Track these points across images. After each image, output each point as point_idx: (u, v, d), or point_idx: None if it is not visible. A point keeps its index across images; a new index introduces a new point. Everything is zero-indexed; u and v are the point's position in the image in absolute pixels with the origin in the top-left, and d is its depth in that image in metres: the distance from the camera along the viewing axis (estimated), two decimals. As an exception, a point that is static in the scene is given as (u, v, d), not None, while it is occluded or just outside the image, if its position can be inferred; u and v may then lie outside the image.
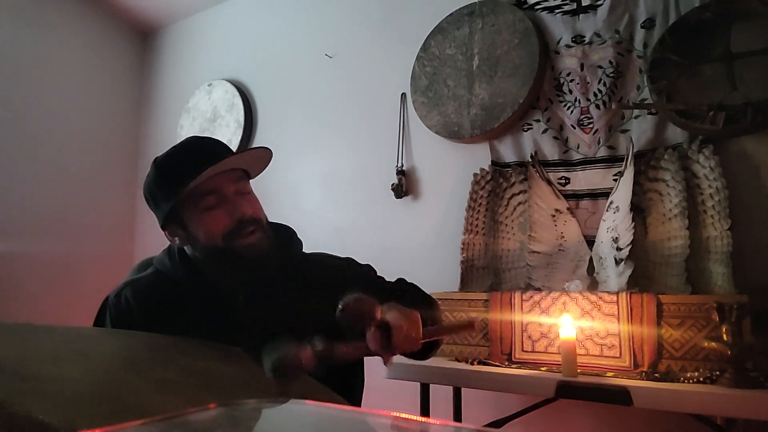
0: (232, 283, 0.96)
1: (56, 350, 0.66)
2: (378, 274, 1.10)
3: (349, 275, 1.04)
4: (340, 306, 0.73)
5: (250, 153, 0.99)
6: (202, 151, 0.95)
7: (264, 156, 1.02)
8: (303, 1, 2.50)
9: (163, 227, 0.98)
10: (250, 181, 1.05)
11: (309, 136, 2.36)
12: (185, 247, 0.99)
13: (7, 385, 0.48)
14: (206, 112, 2.67)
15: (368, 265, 1.11)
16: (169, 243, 1.01)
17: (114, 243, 2.81)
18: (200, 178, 0.89)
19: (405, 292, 1.03)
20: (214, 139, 1.02)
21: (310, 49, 2.41)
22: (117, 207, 2.83)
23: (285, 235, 1.05)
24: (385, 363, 0.77)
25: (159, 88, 3.03)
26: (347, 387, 1.00)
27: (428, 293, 1.08)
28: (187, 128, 2.72)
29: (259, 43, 2.63)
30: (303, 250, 1.08)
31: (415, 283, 1.09)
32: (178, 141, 1.03)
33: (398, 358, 0.85)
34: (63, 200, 2.64)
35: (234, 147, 2.46)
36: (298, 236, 1.08)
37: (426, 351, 0.98)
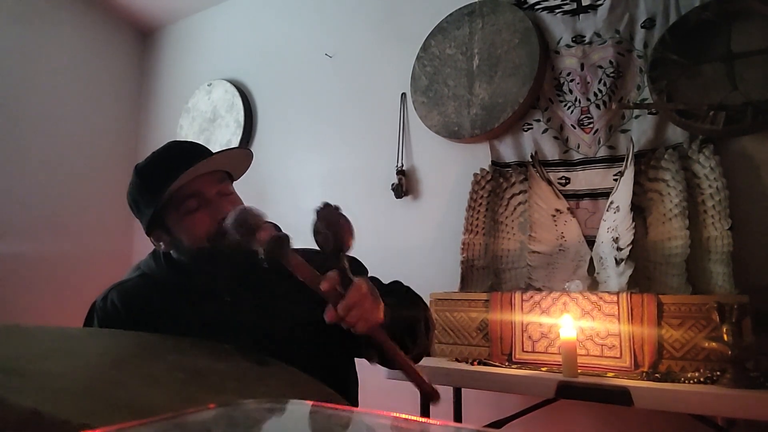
0: (218, 282, 0.96)
1: (44, 348, 0.66)
2: (373, 273, 1.09)
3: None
4: (318, 206, 0.71)
5: (227, 154, 0.98)
6: (181, 154, 0.95)
7: (244, 156, 1.02)
8: (303, 1, 2.50)
9: (148, 233, 0.98)
10: (249, 181, 1.05)
11: (309, 136, 2.36)
12: (171, 251, 0.99)
13: None
14: (206, 112, 2.67)
15: (359, 261, 1.09)
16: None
17: (113, 243, 2.81)
18: (179, 181, 0.89)
19: (398, 292, 1.02)
20: (194, 142, 1.02)
21: (310, 49, 2.41)
22: (116, 207, 2.82)
23: None
24: (326, 315, 0.74)
25: (159, 88, 3.03)
26: (339, 385, 1.00)
27: (425, 293, 1.07)
28: (187, 128, 2.72)
29: (259, 43, 2.63)
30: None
31: (410, 286, 1.08)
32: (175, 142, 1.03)
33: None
34: (62, 200, 2.64)
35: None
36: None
37: (388, 360, 0.92)
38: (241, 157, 1.01)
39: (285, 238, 0.76)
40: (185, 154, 0.94)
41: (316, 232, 0.73)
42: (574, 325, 1.26)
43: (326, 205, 0.72)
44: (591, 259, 1.56)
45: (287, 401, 0.51)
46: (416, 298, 1.05)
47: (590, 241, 1.58)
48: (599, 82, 1.66)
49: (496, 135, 1.82)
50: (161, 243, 0.98)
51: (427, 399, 0.79)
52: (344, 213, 0.73)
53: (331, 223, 0.72)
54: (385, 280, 1.09)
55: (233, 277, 0.95)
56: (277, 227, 0.80)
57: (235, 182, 1.04)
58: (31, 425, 0.40)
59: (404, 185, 1.99)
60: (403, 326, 0.90)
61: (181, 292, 0.96)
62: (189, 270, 0.97)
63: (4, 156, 2.45)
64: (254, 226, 0.77)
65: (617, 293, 1.32)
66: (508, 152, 1.79)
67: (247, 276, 0.95)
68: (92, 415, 0.44)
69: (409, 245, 1.98)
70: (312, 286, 0.75)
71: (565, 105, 1.72)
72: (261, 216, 0.79)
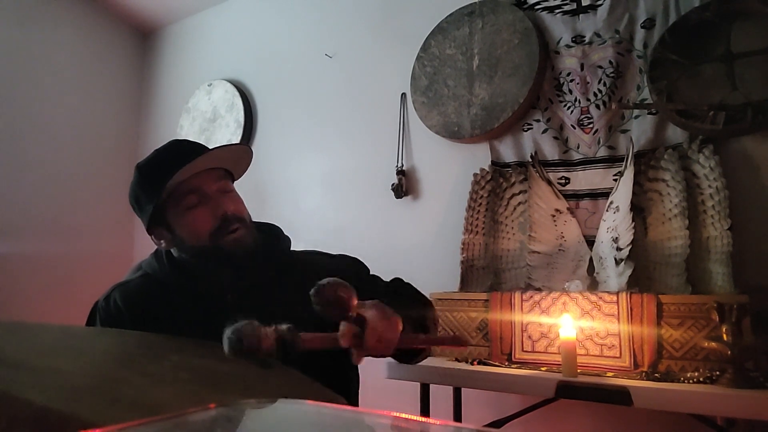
0: (220, 282, 0.96)
1: (51, 345, 0.66)
2: (373, 273, 1.09)
3: (342, 272, 1.04)
4: (313, 289, 0.69)
5: (226, 149, 0.98)
6: (182, 151, 0.96)
7: (242, 153, 1.02)
8: (303, 1, 2.50)
9: (149, 231, 0.98)
10: (249, 181, 1.05)
11: (309, 136, 2.36)
12: (172, 250, 0.99)
13: (7, 376, 0.48)
14: (206, 112, 2.67)
15: (360, 261, 1.10)
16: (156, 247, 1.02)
17: (113, 243, 2.81)
18: (180, 175, 0.90)
19: (399, 292, 1.03)
20: (195, 142, 1.03)
21: (310, 49, 2.41)
22: (116, 207, 2.82)
23: (272, 234, 1.05)
24: (354, 361, 0.73)
25: (159, 88, 3.03)
26: (341, 383, 1.00)
27: (425, 293, 1.08)
28: (187, 128, 2.72)
29: (259, 43, 2.63)
30: (292, 248, 1.08)
31: (411, 283, 1.08)
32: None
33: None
34: (63, 200, 2.64)
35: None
36: (285, 234, 1.08)
37: (410, 356, 0.97)
38: (239, 153, 1.02)
39: (288, 340, 0.70)
40: (185, 151, 0.95)
41: (319, 311, 0.71)
42: (574, 325, 1.26)
43: (321, 288, 0.69)
44: (591, 259, 1.56)
45: (287, 401, 0.51)
46: (420, 296, 1.06)
47: (590, 241, 1.58)
48: (599, 82, 1.66)
49: (496, 135, 1.82)
50: (162, 241, 0.98)
51: (459, 344, 0.81)
52: (341, 284, 0.70)
53: (331, 302, 0.70)
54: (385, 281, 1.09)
55: (234, 275, 0.95)
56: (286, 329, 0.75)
57: (235, 182, 1.05)
58: (40, 422, 0.40)
59: (404, 185, 1.99)
60: (416, 326, 0.91)
61: (183, 292, 0.96)
62: (190, 269, 0.97)
63: (5, 156, 2.45)
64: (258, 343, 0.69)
65: (617, 293, 1.32)
66: (508, 152, 1.80)
67: (247, 275, 0.95)
68: (98, 413, 0.44)
69: (409, 245, 1.98)
70: (334, 348, 0.73)
71: (565, 105, 1.72)
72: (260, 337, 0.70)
